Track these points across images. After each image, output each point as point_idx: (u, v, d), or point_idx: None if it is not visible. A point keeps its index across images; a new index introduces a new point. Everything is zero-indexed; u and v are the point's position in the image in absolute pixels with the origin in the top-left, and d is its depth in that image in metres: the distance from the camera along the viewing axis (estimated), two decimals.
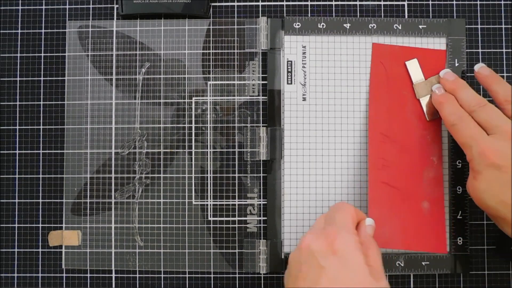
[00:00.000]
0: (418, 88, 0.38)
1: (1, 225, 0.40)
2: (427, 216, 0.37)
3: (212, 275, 0.39)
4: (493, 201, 0.32)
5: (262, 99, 0.40)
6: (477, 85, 0.39)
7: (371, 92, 0.38)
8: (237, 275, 0.39)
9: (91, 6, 0.41)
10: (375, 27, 0.39)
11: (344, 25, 0.39)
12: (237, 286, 0.39)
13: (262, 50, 0.40)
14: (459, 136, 0.34)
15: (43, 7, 0.41)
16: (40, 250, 0.39)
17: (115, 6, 0.41)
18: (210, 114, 0.40)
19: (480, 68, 0.37)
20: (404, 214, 0.37)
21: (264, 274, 0.39)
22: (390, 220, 0.37)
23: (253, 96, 0.40)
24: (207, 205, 0.39)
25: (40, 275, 0.39)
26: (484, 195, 0.33)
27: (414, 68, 0.39)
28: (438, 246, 0.37)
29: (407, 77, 0.38)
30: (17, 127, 0.40)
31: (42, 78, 0.40)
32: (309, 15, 0.40)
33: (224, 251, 0.39)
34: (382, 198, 0.37)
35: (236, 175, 0.39)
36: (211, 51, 0.40)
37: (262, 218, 0.39)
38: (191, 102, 0.40)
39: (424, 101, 0.38)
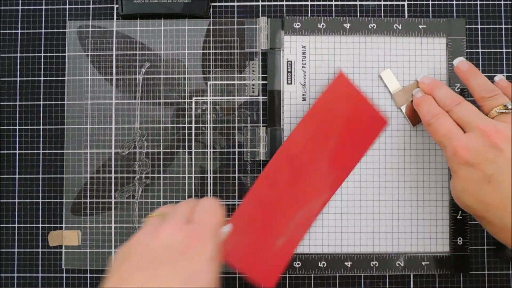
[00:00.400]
0: (397, 97, 0.38)
1: (1, 225, 0.40)
2: (275, 250, 0.36)
3: None
4: (470, 200, 0.31)
5: (262, 99, 0.40)
6: None
7: (309, 112, 0.37)
8: (237, 275, 0.39)
9: (91, 6, 0.41)
10: (375, 27, 0.39)
11: (344, 25, 0.39)
12: (237, 286, 0.39)
13: (262, 50, 0.40)
14: (435, 135, 0.33)
15: (43, 7, 0.41)
16: (40, 250, 0.39)
17: (115, 6, 0.41)
18: (210, 114, 0.40)
19: (459, 62, 0.36)
20: (256, 236, 0.36)
21: None
22: (242, 235, 0.36)
23: (253, 96, 0.40)
24: None
25: (40, 275, 0.39)
26: (461, 194, 0.32)
27: (389, 78, 0.38)
28: (267, 281, 0.36)
29: (344, 120, 0.37)
30: (17, 127, 0.40)
31: (42, 78, 0.40)
32: (309, 15, 0.40)
33: None
34: (249, 212, 0.36)
35: (236, 175, 0.39)
36: (211, 51, 0.40)
37: None
38: (191, 102, 0.40)
39: (404, 109, 0.38)
